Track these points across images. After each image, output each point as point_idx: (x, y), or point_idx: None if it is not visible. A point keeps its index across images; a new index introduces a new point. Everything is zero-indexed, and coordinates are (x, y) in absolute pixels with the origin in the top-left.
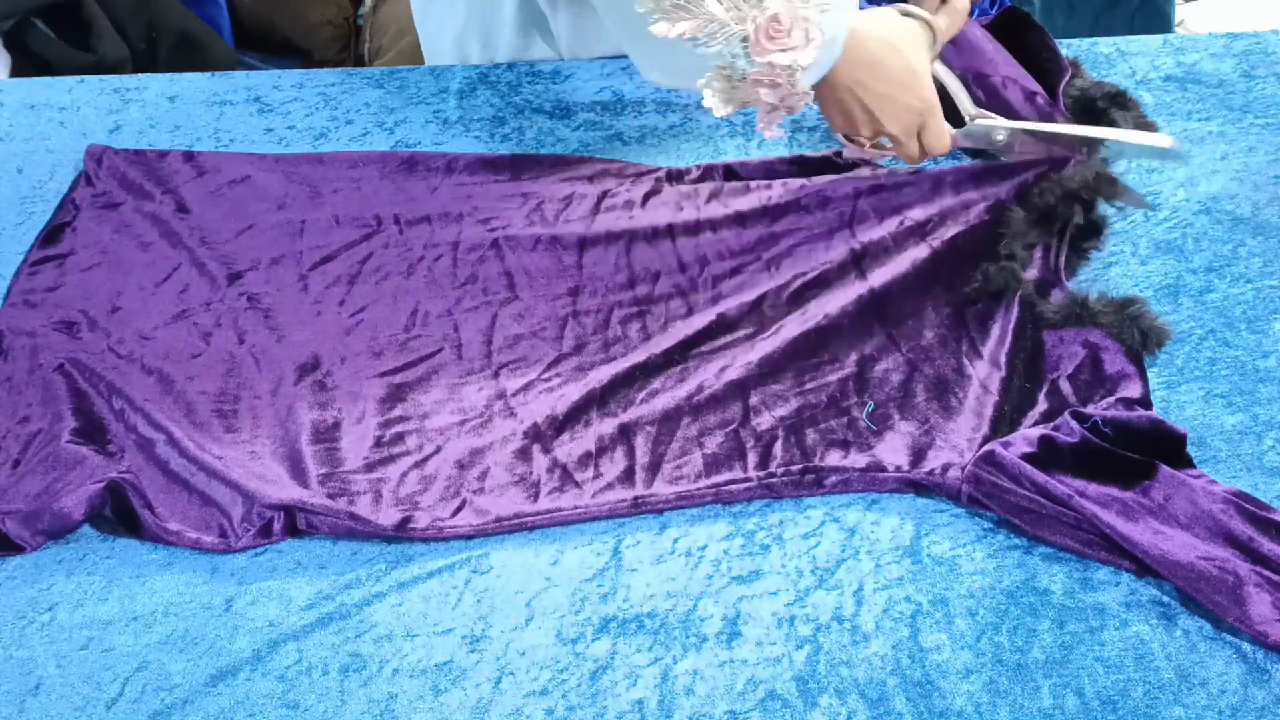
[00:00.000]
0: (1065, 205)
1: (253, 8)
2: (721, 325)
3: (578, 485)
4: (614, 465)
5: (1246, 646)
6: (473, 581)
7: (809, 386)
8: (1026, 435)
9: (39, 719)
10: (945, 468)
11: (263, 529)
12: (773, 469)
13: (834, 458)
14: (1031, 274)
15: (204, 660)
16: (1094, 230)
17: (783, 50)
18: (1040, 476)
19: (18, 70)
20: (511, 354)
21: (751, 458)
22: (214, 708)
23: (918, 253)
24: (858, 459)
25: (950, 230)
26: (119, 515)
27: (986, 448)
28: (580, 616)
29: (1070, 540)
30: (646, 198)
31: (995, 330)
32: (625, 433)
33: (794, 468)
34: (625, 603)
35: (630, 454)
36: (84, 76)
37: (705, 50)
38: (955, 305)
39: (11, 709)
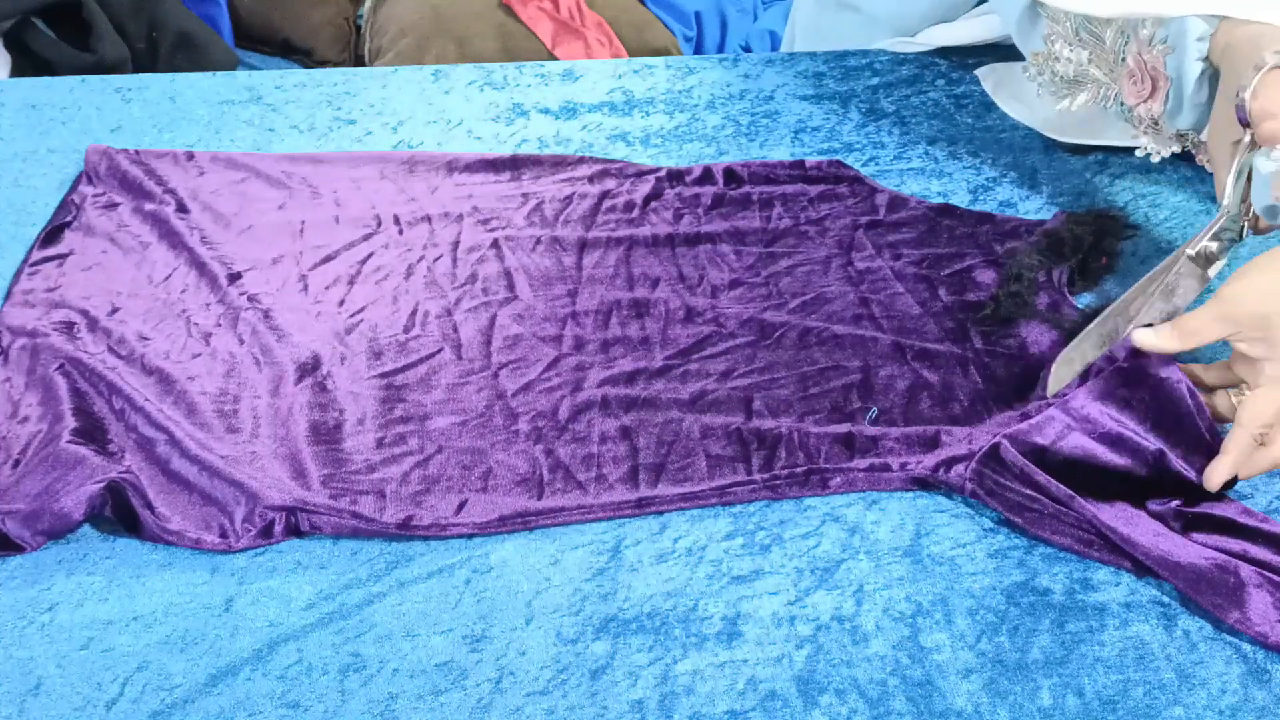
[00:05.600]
0: (1074, 234)
1: (253, 8)
2: (722, 333)
3: (580, 486)
4: (617, 467)
5: (1246, 646)
6: (473, 581)
7: (813, 392)
8: (1032, 426)
9: (39, 719)
10: (949, 465)
11: (264, 530)
12: (776, 470)
13: (838, 458)
14: (1042, 299)
15: (204, 660)
16: (1105, 254)
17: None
18: (1042, 475)
19: (18, 70)
20: (511, 354)
21: (755, 460)
22: (214, 708)
23: (916, 284)
24: (861, 460)
25: (948, 268)
26: (119, 515)
27: (991, 442)
28: (580, 616)
29: (1070, 540)
30: (647, 200)
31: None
32: (628, 434)
33: (798, 469)
34: (625, 603)
35: (633, 455)
36: (84, 76)
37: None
38: (959, 320)
39: (11, 709)
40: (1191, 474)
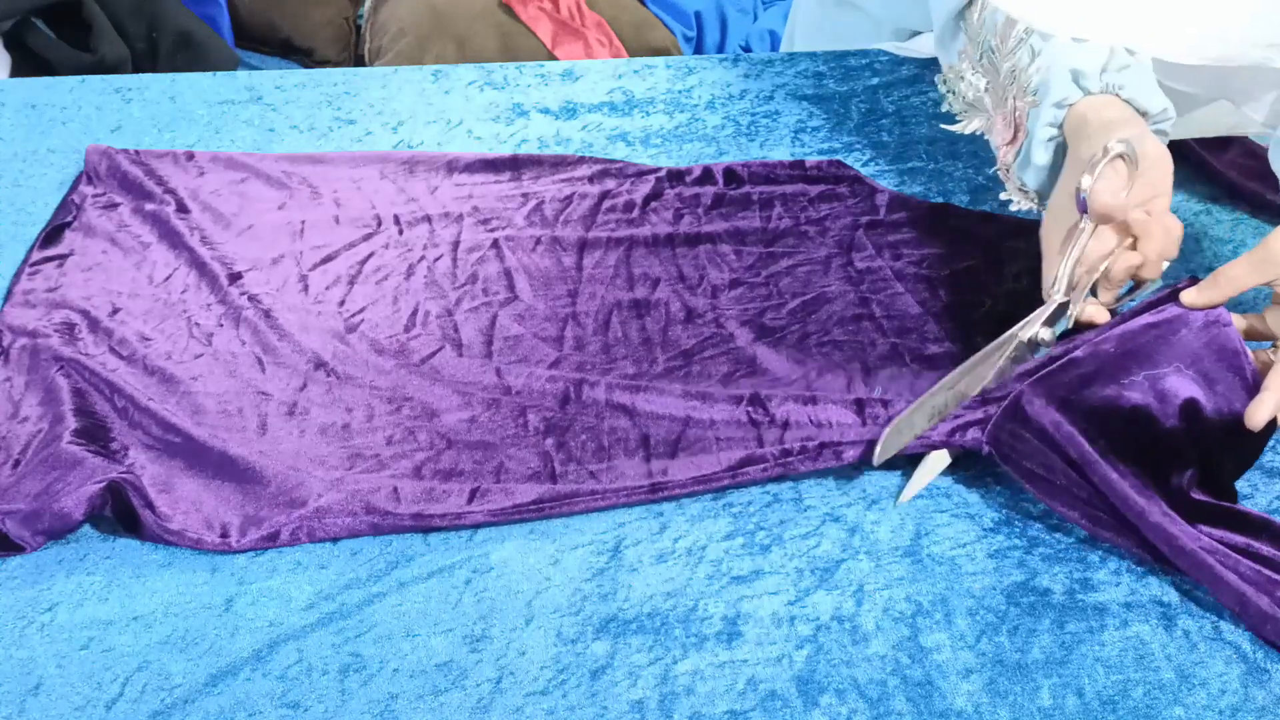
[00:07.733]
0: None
1: (253, 8)
2: (723, 334)
3: (593, 475)
4: (629, 456)
5: (1246, 646)
6: (473, 581)
7: (815, 379)
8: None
9: (39, 719)
10: (964, 429)
11: (268, 535)
12: (789, 445)
13: (850, 431)
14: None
15: (204, 660)
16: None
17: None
18: (1063, 432)
19: (18, 70)
20: (513, 354)
21: (767, 436)
22: (214, 708)
23: (916, 284)
24: (875, 428)
25: (948, 268)
26: (119, 515)
27: (1013, 398)
28: (580, 616)
29: (1079, 515)
30: (647, 200)
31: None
32: (636, 424)
33: (810, 444)
34: (625, 603)
35: (644, 443)
36: (84, 76)
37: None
38: (959, 320)
39: (11, 709)
40: (1236, 407)
